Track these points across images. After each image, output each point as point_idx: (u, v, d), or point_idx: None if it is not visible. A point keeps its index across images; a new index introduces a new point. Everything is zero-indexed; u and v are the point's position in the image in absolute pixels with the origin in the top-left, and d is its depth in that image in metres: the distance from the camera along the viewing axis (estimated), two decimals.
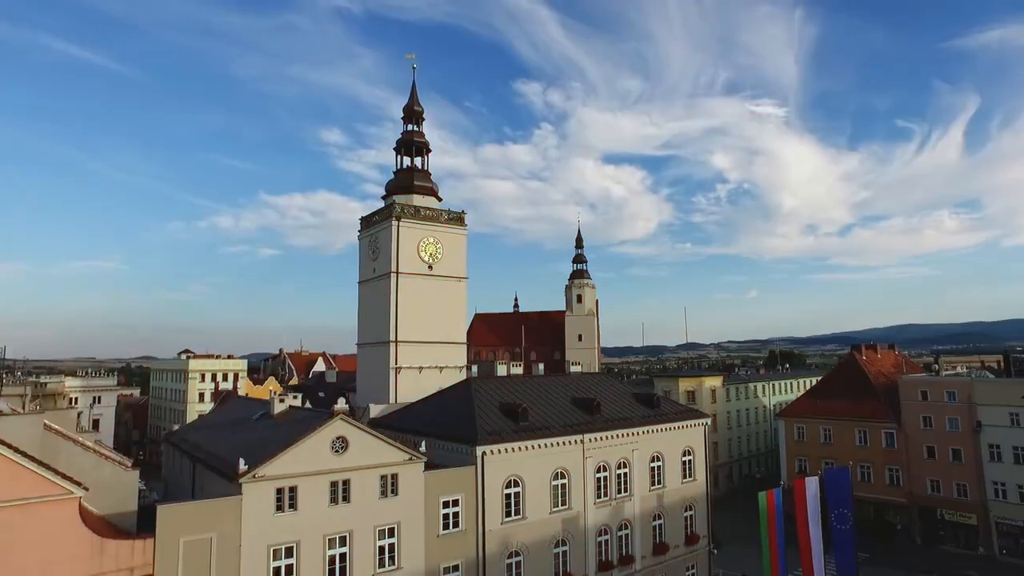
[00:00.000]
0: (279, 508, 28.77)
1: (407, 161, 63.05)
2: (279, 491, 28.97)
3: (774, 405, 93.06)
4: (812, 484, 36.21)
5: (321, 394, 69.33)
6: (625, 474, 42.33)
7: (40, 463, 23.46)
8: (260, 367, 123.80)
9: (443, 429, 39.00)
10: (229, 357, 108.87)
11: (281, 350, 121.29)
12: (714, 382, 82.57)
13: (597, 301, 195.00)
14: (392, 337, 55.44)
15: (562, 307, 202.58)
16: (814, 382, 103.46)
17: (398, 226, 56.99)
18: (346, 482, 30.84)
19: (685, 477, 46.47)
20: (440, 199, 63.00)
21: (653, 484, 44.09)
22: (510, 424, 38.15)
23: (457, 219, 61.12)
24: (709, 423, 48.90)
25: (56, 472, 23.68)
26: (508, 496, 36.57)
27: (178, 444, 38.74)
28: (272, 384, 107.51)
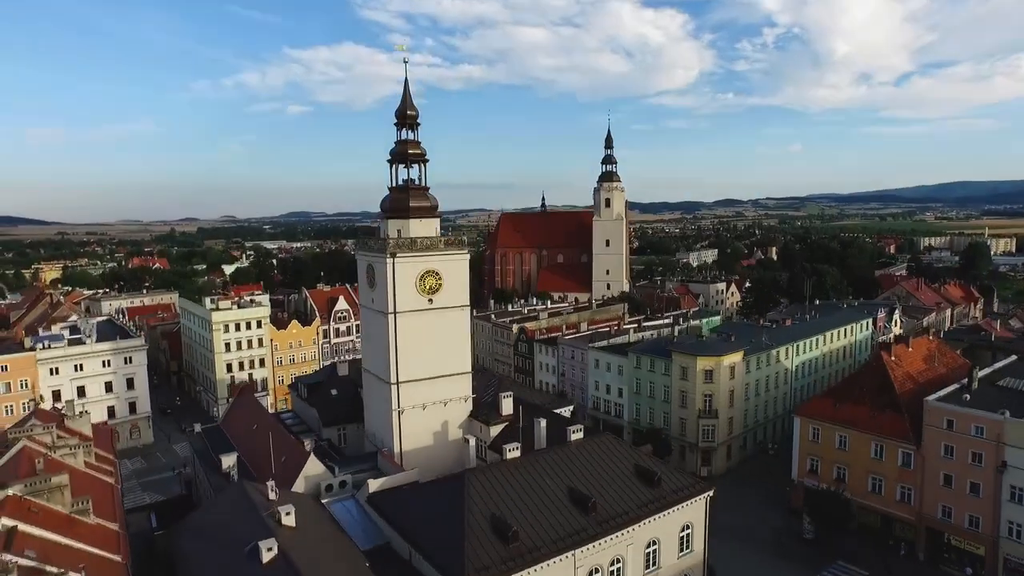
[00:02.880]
0: None
1: (403, 173, 57.57)
2: None
3: (796, 367, 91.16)
4: None
5: (334, 391, 69.89)
6: (618, 569, 42.43)
7: None
8: (284, 300, 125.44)
9: (431, 545, 38.93)
10: (252, 301, 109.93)
11: (303, 289, 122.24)
12: (734, 359, 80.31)
13: (627, 203, 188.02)
14: (393, 379, 54.23)
15: (590, 202, 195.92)
16: (842, 336, 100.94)
17: (393, 263, 53.40)
18: None
19: (682, 551, 46.48)
20: (439, 215, 58.31)
21: (647, 568, 44.29)
22: (499, 549, 37.72)
23: (457, 243, 56.93)
24: (712, 494, 47.88)
25: None
26: None
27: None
28: (295, 327, 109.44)
